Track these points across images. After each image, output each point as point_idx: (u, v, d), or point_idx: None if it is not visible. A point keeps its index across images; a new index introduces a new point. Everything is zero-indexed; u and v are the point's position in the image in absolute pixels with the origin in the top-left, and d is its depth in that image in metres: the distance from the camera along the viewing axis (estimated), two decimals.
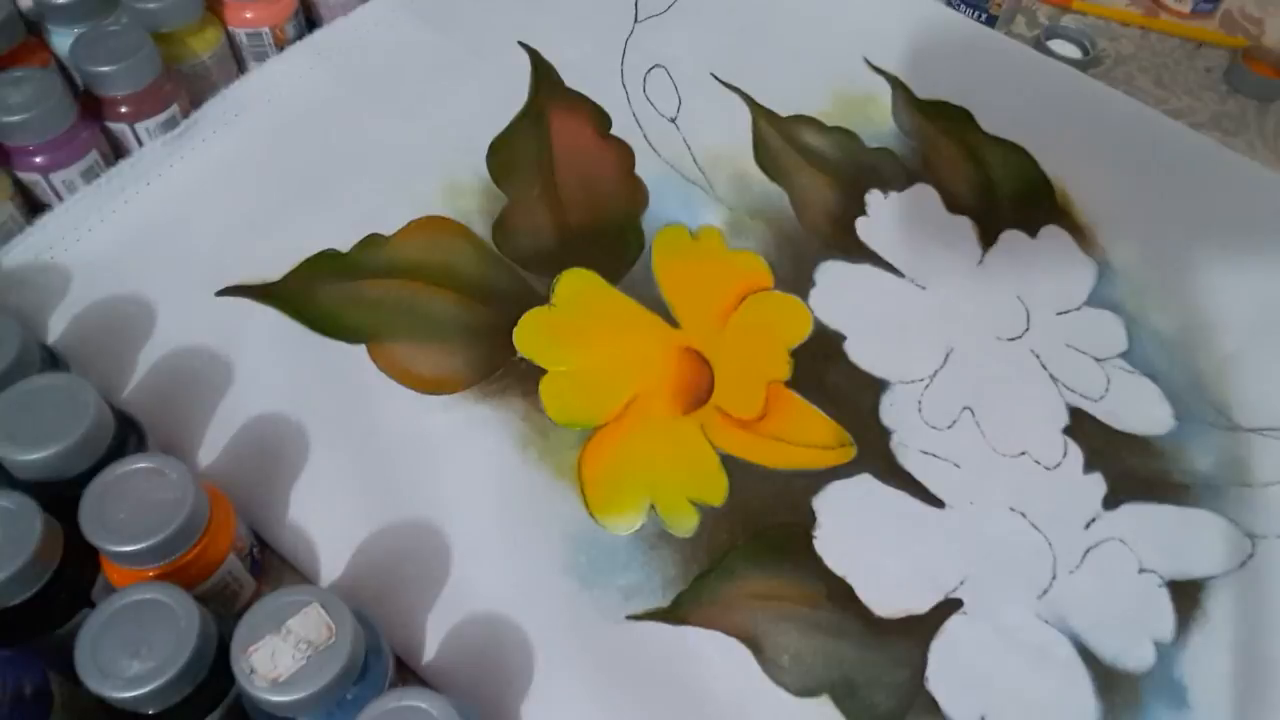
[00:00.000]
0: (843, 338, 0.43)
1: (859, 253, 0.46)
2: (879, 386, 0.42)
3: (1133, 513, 0.39)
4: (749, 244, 0.46)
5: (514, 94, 0.49)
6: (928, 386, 0.42)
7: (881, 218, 0.47)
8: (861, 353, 0.43)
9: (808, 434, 0.40)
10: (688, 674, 0.34)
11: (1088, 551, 0.38)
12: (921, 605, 0.37)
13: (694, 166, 0.48)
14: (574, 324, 0.42)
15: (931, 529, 0.38)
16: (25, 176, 0.41)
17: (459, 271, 0.43)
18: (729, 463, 0.39)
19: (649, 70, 0.51)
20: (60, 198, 0.42)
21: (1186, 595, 0.38)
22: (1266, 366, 0.44)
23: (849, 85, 0.52)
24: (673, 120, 0.49)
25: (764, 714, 0.34)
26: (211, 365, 0.39)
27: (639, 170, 0.47)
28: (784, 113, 0.50)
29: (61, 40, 0.43)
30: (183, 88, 0.45)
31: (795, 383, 0.42)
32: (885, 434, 0.41)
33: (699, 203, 0.47)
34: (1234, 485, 0.41)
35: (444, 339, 0.41)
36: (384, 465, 0.37)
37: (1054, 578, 0.38)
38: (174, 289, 0.41)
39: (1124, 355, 0.44)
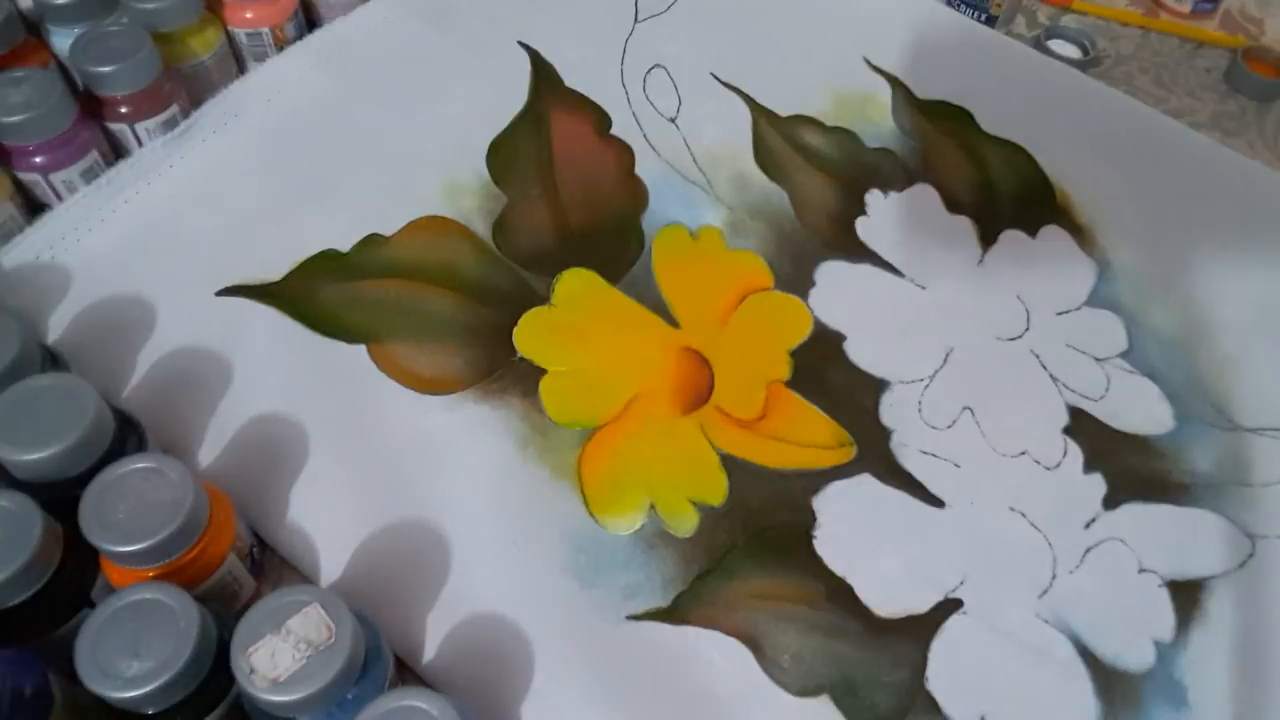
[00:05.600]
0: (843, 338, 0.43)
1: (859, 253, 0.46)
2: (879, 386, 0.42)
3: (1133, 512, 0.39)
4: (749, 244, 0.46)
5: (514, 94, 0.49)
6: (928, 386, 0.42)
7: (881, 218, 0.47)
8: (861, 353, 0.43)
9: (807, 434, 0.40)
10: (688, 674, 0.34)
11: (1088, 551, 0.38)
12: (921, 605, 0.37)
13: (694, 166, 0.48)
14: (574, 324, 0.42)
15: (931, 529, 0.38)
16: (25, 176, 0.41)
17: (459, 271, 0.43)
18: (729, 463, 0.39)
19: (649, 70, 0.51)
20: (60, 198, 0.42)
21: (1186, 595, 0.38)
22: (1266, 366, 0.44)
23: (849, 85, 0.52)
24: (673, 120, 0.49)
25: (764, 714, 0.34)
26: (211, 365, 0.39)
27: (639, 170, 0.47)
28: (784, 113, 0.50)
29: (61, 40, 0.43)
30: (183, 88, 0.45)
31: (795, 383, 0.42)
32: (885, 434, 0.41)
33: (699, 203, 0.47)
34: (1234, 485, 0.41)
35: (444, 339, 0.41)
36: (384, 465, 0.37)
37: (1054, 578, 0.38)
38: (174, 289, 0.41)
39: (1124, 355, 0.44)
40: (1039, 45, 0.57)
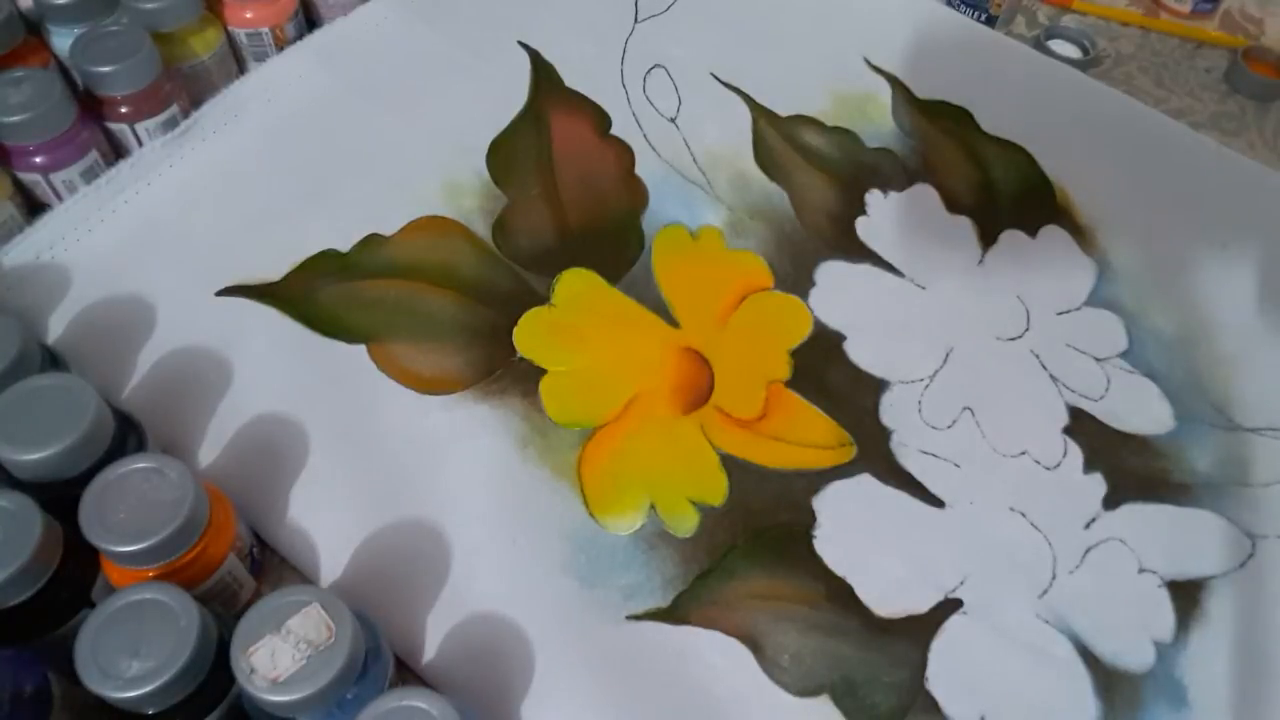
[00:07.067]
0: (843, 338, 0.43)
1: (859, 253, 0.46)
2: (879, 386, 0.42)
3: (1133, 513, 0.39)
4: (749, 244, 0.46)
5: (514, 94, 0.49)
6: (928, 386, 0.42)
7: (881, 218, 0.47)
8: (861, 353, 0.43)
9: (807, 434, 0.40)
10: (688, 674, 0.34)
11: (1088, 551, 0.38)
12: (921, 605, 0.37)
13: (694, 166, 0.48)
14: (574, 324, 0.42)
15: (931, 529, 0.38)
16: (25, 176, 0.41)
17: (459, 271, 0.43)
18: (729, 463, 0.39)
19: (649, 70, 0.51)
20: (60, 198, 0.42)
21: (1186, 595, 0.38)
22: (1266, 366, 0.44)
23: (849, 85, 0.52)
24: (673, 120, 0.49)
25: (764, 714, 0.34)
26: (211, 365, 0.39)
27: (639, 170, 0.47)
28: (784, 113, 0.50)
29: (61, 40, 0.43)
30: (183, 88, 0.45)
31: (795, 383, 0.42)
32: (885, 434, 0.41)
33: (699, 203, 0.47)
34: (1234, 485, 0.41)
35: (444, 339, 0.41)
36: (384, 465, 0.37)
37: (1054, 578, 0.38)
38: (174, 289, 0.41)
39: (1124, 355, 0.44)
40: (1039, 45, 0.57)
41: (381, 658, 0.30)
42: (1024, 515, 0.39)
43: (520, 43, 0.51)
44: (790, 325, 0.43)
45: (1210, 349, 0.44)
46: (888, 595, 0.36)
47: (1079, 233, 0.48)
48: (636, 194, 0.47)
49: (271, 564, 0.36)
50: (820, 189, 0.48)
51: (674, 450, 0.39)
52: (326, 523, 0.36)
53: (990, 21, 0.57)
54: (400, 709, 0.27)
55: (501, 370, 0.40)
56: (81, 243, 0.41)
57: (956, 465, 0.40)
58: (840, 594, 0.36)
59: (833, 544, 0.37)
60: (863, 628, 0.36)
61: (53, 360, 0.35)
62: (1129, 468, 0.41)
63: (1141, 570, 0.38)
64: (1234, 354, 0.44)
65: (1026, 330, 0.44)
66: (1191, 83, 0.57)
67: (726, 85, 0.51)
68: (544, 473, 0.38)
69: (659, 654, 0.35)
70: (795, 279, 0.45)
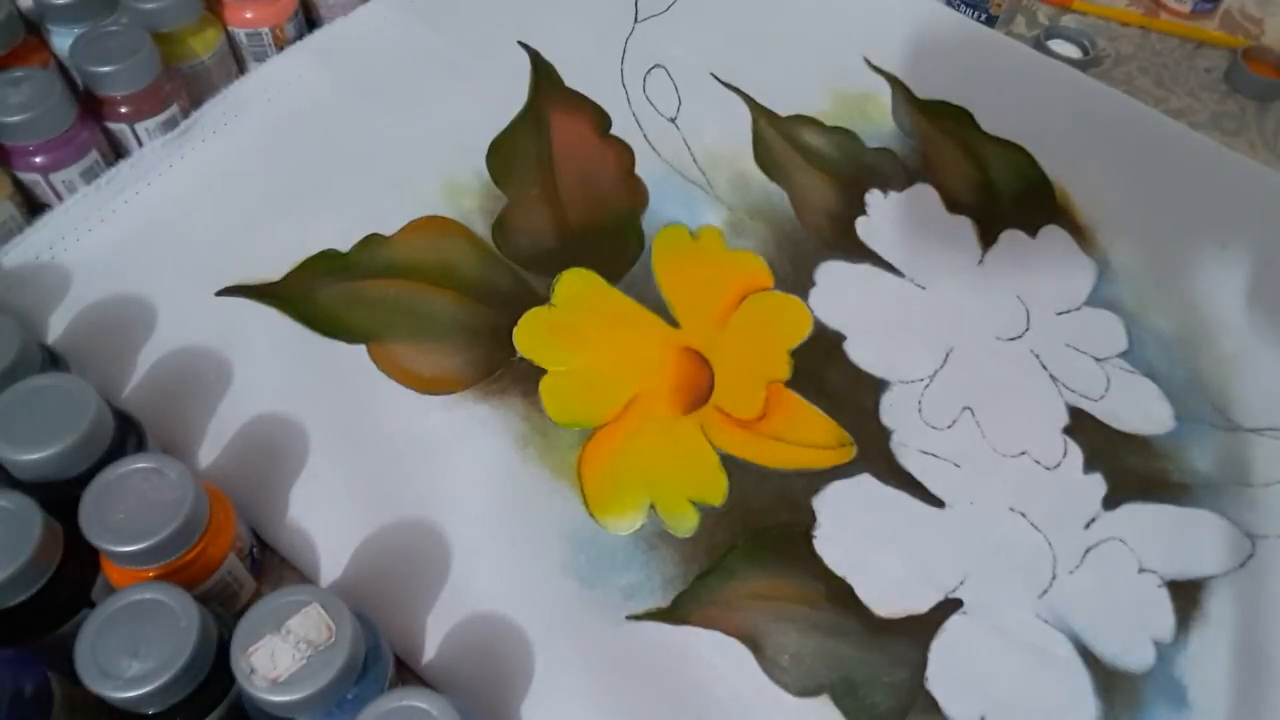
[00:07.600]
0: (843, 338, 0.43)
1: (859, 253, 0.46)
2: (879, 386, 0.42)
3: (1133, 513, 0.39)
4: (749, 244, 0.46)
5: (514, 94, 0.49)
6: (928, 386, 0.42)
7: (881, 218, 0.47)
8: (861, 353, 0.43)
9: (808, 434, 0.40)
10: (688, 674, 0.34)
11: (1088, 551, 0.38)
12: (921, 605, 0.37)
13: (694, 166, 0.48)
14: (574, 324, 0.42)
15: (931, 529, 0.38)
16: (25, 176, 0.41)
17: (459, 271, 0.43)
18: (729, 463, 0.39)
19: (649, 70, 0.51)
20: (60, 198, 0.42)
21: (1186, 595, 0.38)
22: (1266, 366, 0.44)
23: (849, 85, 0.52)
24: (673, 120, 0.49)
25: (764, 714, 0.34)
26: (211, 365, 0.39)
27: (639, 170, 0.47)
28: (784, 113, 0.50)
29: (61, 40, 0.43)
30: (183, 88, 0.45)
31: (795, 383, 0.42)
32: (885, 434, 0.41)
33: (699, 203, 0.47)
34: (1234, 485, 0.41)
35: (444, 339, 0.41)
36: (384, 465, 0.37)
37: (1054, 578, 0.38)
38: (174, 289, 0.41)
39: (1124, 355, 0.44)
40: (1039, 45, 0.57)
41: (381, 658, 0.30)
42: (1024, 515, 0.39)
43: (520, 43, 0.51)
44: (790, 325, 0.43)
45: (1210, 349, 0.44)
46: (888, 595, 0.36)
47: (1079, 233, 0.48)
48: (636, 194, 0.47)
49: (271, 564, 0.36)
50: (820, 189, 0.48)
51: (674, 450, 0.39)
52: (326, 523, 0.36)
53: (990, 21, 0.57)
54: (400, 709, 0.27)
55: (501, 370, 0.40)
56: (81, 243, 0.41)
57: (956, 465, 0.40)
58: (840, 594, 0.36)
59: (833, 544, 0.37)
60: (863, 628, 0.36)
61: (53, 360, 0.35)
62: (1129, 468, 0.41)
63: (1141, 570, 0.38)
64: (1234, 354, 0.44)
65: (1026, 330, 0.44)
66: (1191, 83, 0.57)
67: (726, 85, 0.51)
68: (544, 473, 0.38)
69: (659, 654, 0.35)
70: (795, 279, 0.45)
